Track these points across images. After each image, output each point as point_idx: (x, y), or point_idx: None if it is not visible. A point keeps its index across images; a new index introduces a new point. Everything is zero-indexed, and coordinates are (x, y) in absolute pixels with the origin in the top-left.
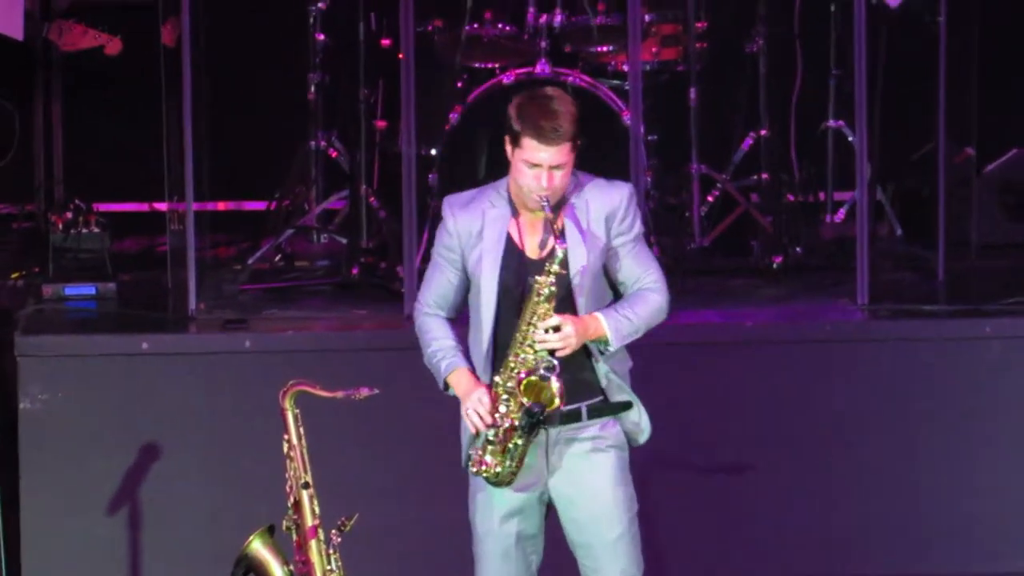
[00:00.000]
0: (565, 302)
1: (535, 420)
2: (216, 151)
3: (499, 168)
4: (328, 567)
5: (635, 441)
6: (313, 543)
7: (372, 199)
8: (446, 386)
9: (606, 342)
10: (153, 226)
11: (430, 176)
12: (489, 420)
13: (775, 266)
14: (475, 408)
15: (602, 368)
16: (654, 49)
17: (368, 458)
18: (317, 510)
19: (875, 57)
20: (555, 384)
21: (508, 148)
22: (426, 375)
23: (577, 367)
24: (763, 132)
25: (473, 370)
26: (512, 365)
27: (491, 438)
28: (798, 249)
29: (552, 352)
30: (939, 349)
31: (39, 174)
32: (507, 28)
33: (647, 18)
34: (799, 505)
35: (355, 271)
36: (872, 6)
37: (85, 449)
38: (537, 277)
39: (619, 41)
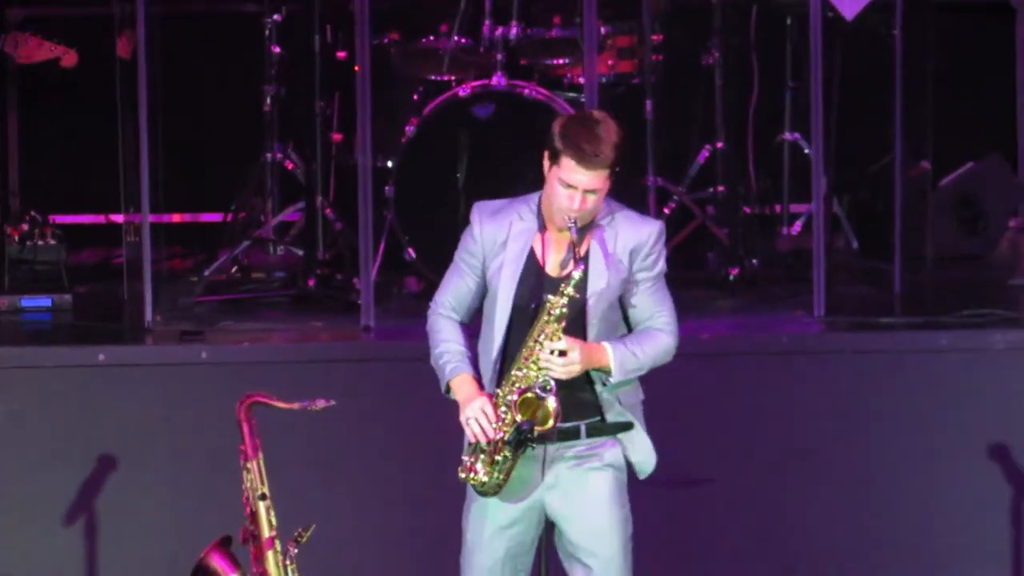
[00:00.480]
0: (576, 324)
1: (523, 438)
2: (172, 163)
3: (456, 179)
4: None
5: (638, 473)
6: (270, 554)
7: (328, 211)
8: (447, 389)
9: (609, 372)
10: (109, 238)
11: (386, 188)
12: (491, 433)
13: (731, 278)
14: (476, 417)
15: (605, 393)
16: (610, 62)
17: (325, 469)
18: (274, 521)
19: (831, 70)
20: (551, 403)
21: (546, 164)
22: (384, 387)
23: (579, 386)
24: (719, 144)
25: (478, 378)
26: (513, 379)
27: (483, 447)
28: (754, 261)
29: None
30: (895, 361)
31: None
32: (463, 41)
33: (603, 30)
34: (756, 517)
35: (311, 283)
36: (828, 19)
37: (41, 460)
38: (550, 296)
39: (575, 54)
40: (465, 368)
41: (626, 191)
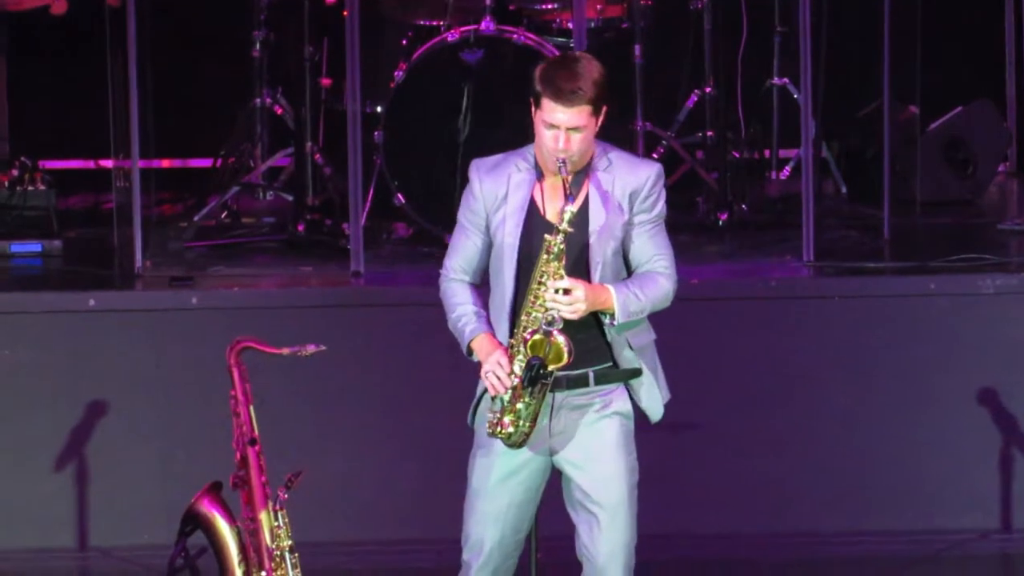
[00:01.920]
0: (580, 268)
1: (535, 375)
2: (161, 109)
3: (445, 125)
4: (275, 523)
5: (649, 418)
6: (260, 499)
7: (317, 156)
8: (469, 351)
9: (612, 315)
10: (99, 183)
11: (375, 133)
12: (507, 383)
13: (721, 223)
14: (493, 371)
15: (613, 336)
16: (599, 6)
17: (315, 415)
18: (264, 466)
19: (819, 15)
20: (560, 340)
21: (533, 110)
22: (373, 331)
23: (587, 333)
24: (708, 89)
25: (493, 328)
26: (523, 325)
27: (505, 399)
28: (744, 206)
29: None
30: (884, 306)
31: None
32: None
33: None
34: (745, 461)
35: (301, 228)
36: None
37: (31, 406)
38: (547, 235)
39: None
40: (483, 328)
41: (615, 136)
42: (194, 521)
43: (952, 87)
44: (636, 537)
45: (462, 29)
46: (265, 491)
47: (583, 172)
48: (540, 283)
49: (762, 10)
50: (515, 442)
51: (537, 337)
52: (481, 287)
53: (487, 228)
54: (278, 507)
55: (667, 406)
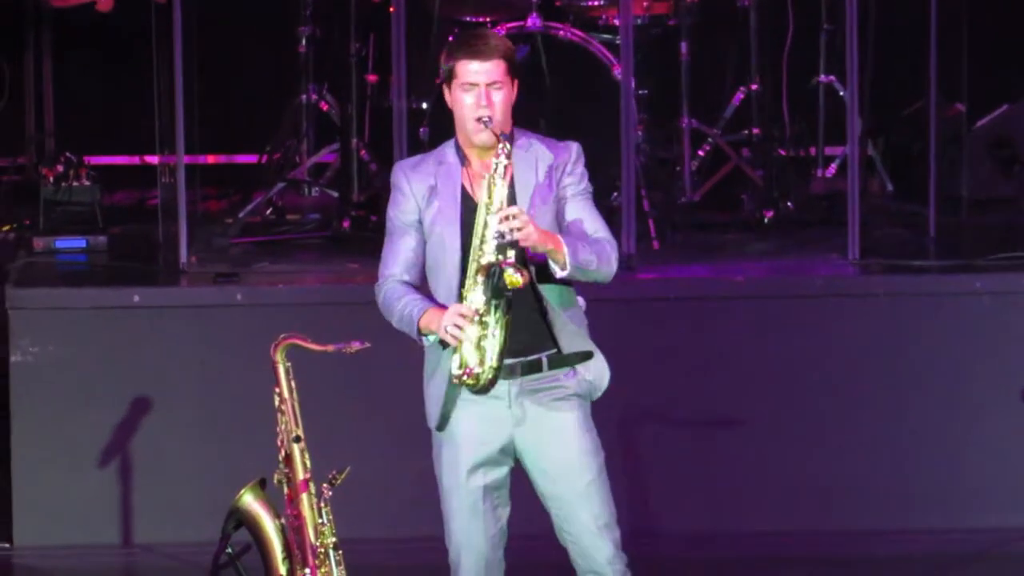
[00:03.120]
0: (518, 249)
1: (497, 283)
2: (207, 104)
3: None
4: (319, 520)
5: (597, 388)
6: (304, 496)
7: (363, 152)
8: (420, 334)
9: (562, 264)
10: (144, 179)
11: (421, 130)
12: (470, 314)
13: (766, 221)
14: (450, 319)
15: (555, 314)
16: (645, 3)
17: (359, 412)
18: (308, 464)
19: (866, 12)
20: (512, 255)
21: (447, 95)
22: None
23: (534, 320)
24: (754, 86)
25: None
26: (474, 263)
27: (469, 342)
28: (789, 204)
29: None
30: (929, 304)
31: (30, 127)
32: None
33: None
34: (789, 460)
35: (346, 224)
36: None
37: (76, 402)
38: (485, 174)
39: None
40: (429, 304)
41: (662, 133)
42: (238, 517)
43: (999, 84)
44: (615, 512)
45: (508, 25)
46: (309, 488)
47: (508, 153)
48: (485, 224)
49: (808, 7)
50: (484, 384)
51: (492, 259)
52: (420, 288)
53: (420, 225)
54: (322, 504)
55: (710, 402)
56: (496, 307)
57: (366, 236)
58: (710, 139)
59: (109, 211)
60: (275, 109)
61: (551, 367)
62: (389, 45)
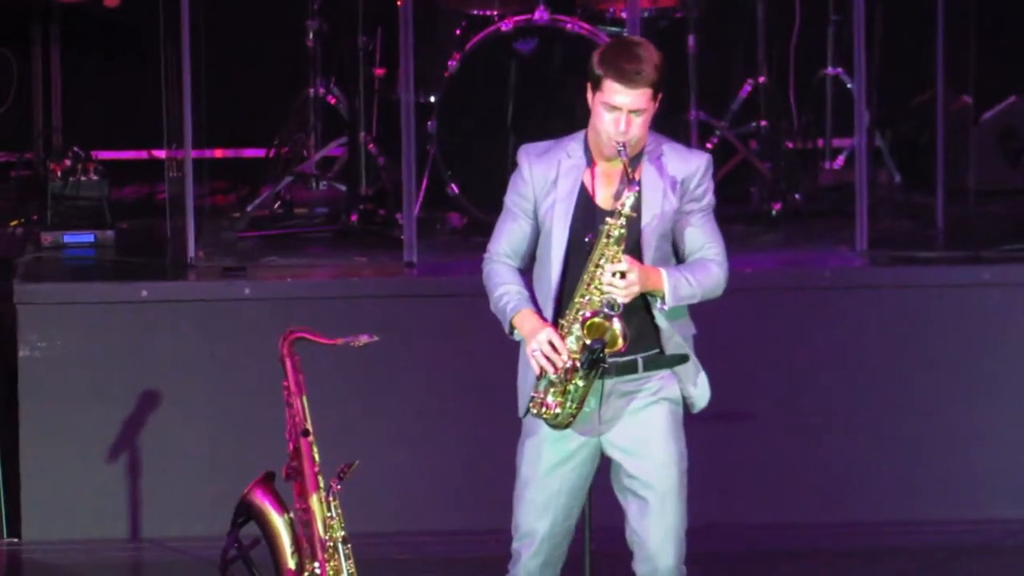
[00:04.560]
0: (632, 254)
1: (596, 357)
2: (215, 98)
3: (499, 114)
4: (328, 514)
5: (692, 407)
6: (313, 490)
7: (371, 146)
8: (511, 329)
9: (662, 299)
10: (152, 174)
11: (429, 123)
12: (560, 362)
13: (774, 213)
14: (542, 349)
15: (663, 321)
16: None
17: (368, 405)
18: (317, 457)
19: (873, 3)
20: (617, 325)
21: (589, 95)
22: (426, 322)
23: (636, 318)
24: (761, 79)
25: (539, 312)
26: (577, 306)
27: (553, 379)
28: (797, 196)
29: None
30: (938, 296)
31: (38, 122)
32: None
33: None
34: (795, 451)
35: (354, 218)
36: None
37: (84, 397)
38: (608, 219)
39: None
40: (526, 304)
41: (669, 126)
42: (247, 512)
43: (1006, 76)
44: (687, 523)
45: (516, 19)
46: (318, 482)
47: (637, 158)
48: (598, 265)
49: None
50: (560, 423)
51: (597, 320)
52: (525, 272)
53: (535, 213)
54: (331, 497)
55: (719, 395)
56: (588, 371)
57: (374, 230)
58: (718, 131)
59: (117, 206)
60: (283, 103)
61: (646, 369)
62: (396, 39)
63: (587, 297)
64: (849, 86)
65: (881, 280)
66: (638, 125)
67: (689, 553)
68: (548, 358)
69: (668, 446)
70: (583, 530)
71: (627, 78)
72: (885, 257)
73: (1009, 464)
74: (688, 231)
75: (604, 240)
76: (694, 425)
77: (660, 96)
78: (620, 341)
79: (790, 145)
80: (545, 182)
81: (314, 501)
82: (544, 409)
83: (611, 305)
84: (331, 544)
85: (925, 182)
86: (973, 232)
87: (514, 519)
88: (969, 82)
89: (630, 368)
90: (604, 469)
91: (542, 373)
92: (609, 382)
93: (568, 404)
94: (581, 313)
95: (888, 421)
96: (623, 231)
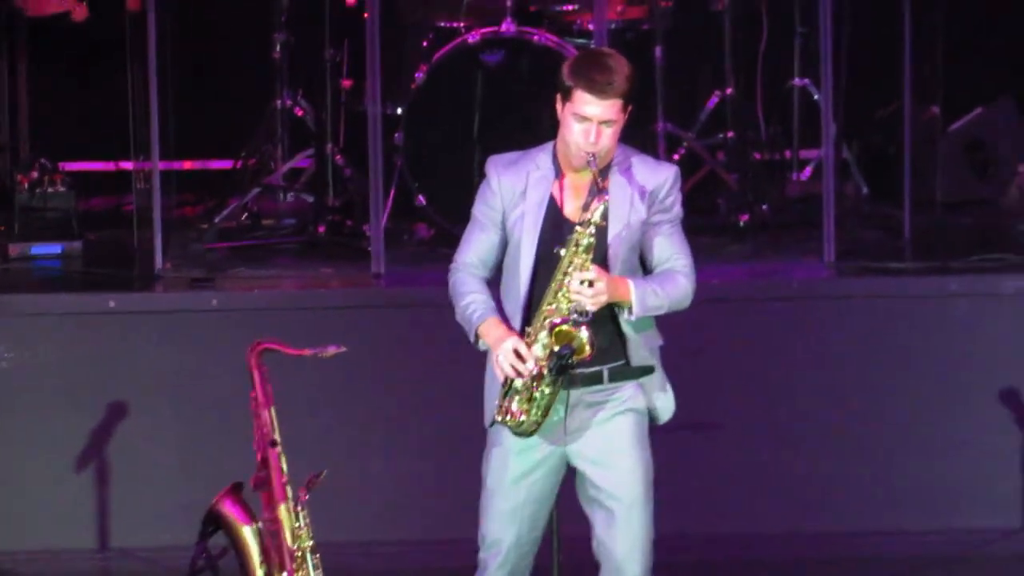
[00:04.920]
0: (599, 264)
1: (564, 363)
2: (182, 110)
3: (466, 126)
4: (296, 523)
5: (656, 419)
6: (281, 500)
7: (338, 158)
8: (476, 339)
9: (629, 309)
10: (119, 185)
11: (396, 135)
12: (526, 370)
13: (742, 224)
14: (508, 357)
15: (629, 332)
16: (620, 8)
17: (336, 416)
18: (285, 467)
19: (840, 14)
20: (585, 332)
21: (559, 106)
22: (393, 332)
23: (603, 329)
24: (729, 91)
25: (506, 321)
26: (545, 314)
27: (519, 386)
28: (764, 207)
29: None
30: (905, 306)
31: (4, 134)
32: None
33: None
34: (765, 462)
35: (321, 229)
36: None
37: (52, 407)
38: (578, 227)
39: (585, 0)
40: (492, 314)
41: (635, 137)
42: (215, 522)
43: (973, 87)
44: (653, 533)
45: (483, 31)
46: (286, 491)
47: (605, 169)
48: (566, 273)
49: (782, 11)
50: (525, 431)
51: (564, 327)
52: (490, 282)
53: (503, 224)
54: (299, 507)
55: (688, 406)
56: (556, 377)
57: (341, 241)
58: (685, 143)
59: (84, 217)
60: (250, 115)
61: (611, 380)
62: (363, 51)
63: (554, 305)
64: (816, 97)
65: (849, 291)
66: (608, 136)
67: (657, 563)
68: (514, 366)
69: (634, 457)
70: (551, 540)
71: (598, 89)
72: (853, 268)
73: (981, 473)
74: (656, 242)
75: (573, 249)
76: (662, 435)
77: (630, 108)
78: (588, 348)
79: (757, 156)
80: (513, 193)
81: (282, 511)
82: (509, 417)
83: (581, 312)
84: (299, 554)
85: (892, 193)
86: (940, 243)
87: (480, 529)
88: (936, 93)
89: (596, 379)
90: (569, 479)
91: (507, 381)
92: (575, 393)
93: (534, 412)
94: (549, 320)
95: (857, 431)
96: (592, 240)
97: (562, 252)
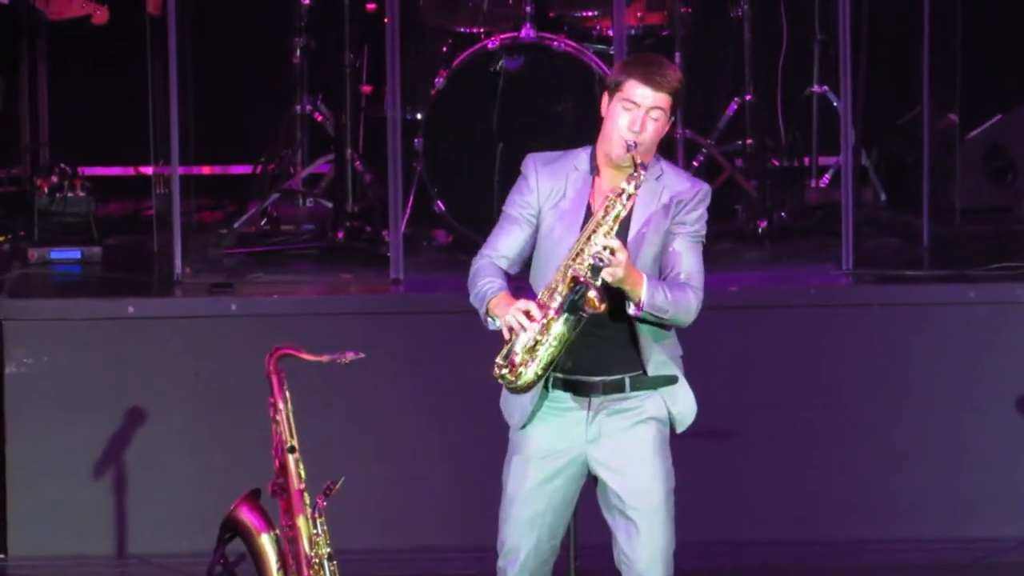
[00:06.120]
0: None
1: (576, 299)
2: (202, 115)
3: (485, 132)
4: (314, 531)
5: (676, 426)
6: (299, 507)
7: (358, 163)
8: (487, 314)
9: (636, 303)
10: (139, 190)
11: (416, 140)
12: (538, 315)
13: (760, 231)
14: (516, 312)
15: (645, 340)
16: (639, 13)
17: (354, 422)
18: (303, 474)
19: (859, 22)
20: (593, 293)
21: (604, 102)
22: (412, 338)
23: (623, 338)
24: (748, 97)
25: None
26: (566, 266)
27: (524, 340)
28: (783, 214)
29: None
30: (923, 314)
31: (25, 138)
32: None
33: None
34: (781, 469)
35: (341, 235)
36: None
37: (71, 413)
38: (609, 194)
39: (604, 5)
40: (505, 291)
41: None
42: (233, 528)
43: (992, 95)
44: (675, 543)
45: (502, 36)
46: (304, 498)
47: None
48: (590, 237)
49: (802, 18)
50: (520, 386)
51: (581, 275)
52: (512, 277)
53: (537, 222)
54: (317, 514)
55: (705, 413)
56: (566, 321)
57: (360, 246)
58: (704, 149)
59: (104, 222)
60: (270, 120)
61: (633, 388)
62: (383, 56)
63: (572, 265)
64: (835, 104)
65: (867, 298)
66: (651, 129)
67: (678, 571)
68: (520, 322)
69: (655, 465)
70: (568, 548)
71: (651, 79)
72: (871, 275)
73: (994, 482)
74: (671, 251)
75: (602, 214)
76: (681, 443)
77: (676, 113)
78: (598, 303)
79: (776, 163)
80: (551, 192)
81: (300, 518)
82: (508, 370)
83: (595, 269)
84: (317, 561)
85: (911, 200)
86: (959, 251)
87: (500, 536)
88: (955, 100)
89: (618, 387)
90: (589, 487)
91: (512, 336)
92: (596, 400)
93: (534, 365)
94: (570, 270)
95: (873, 439)
96: (622, 210)
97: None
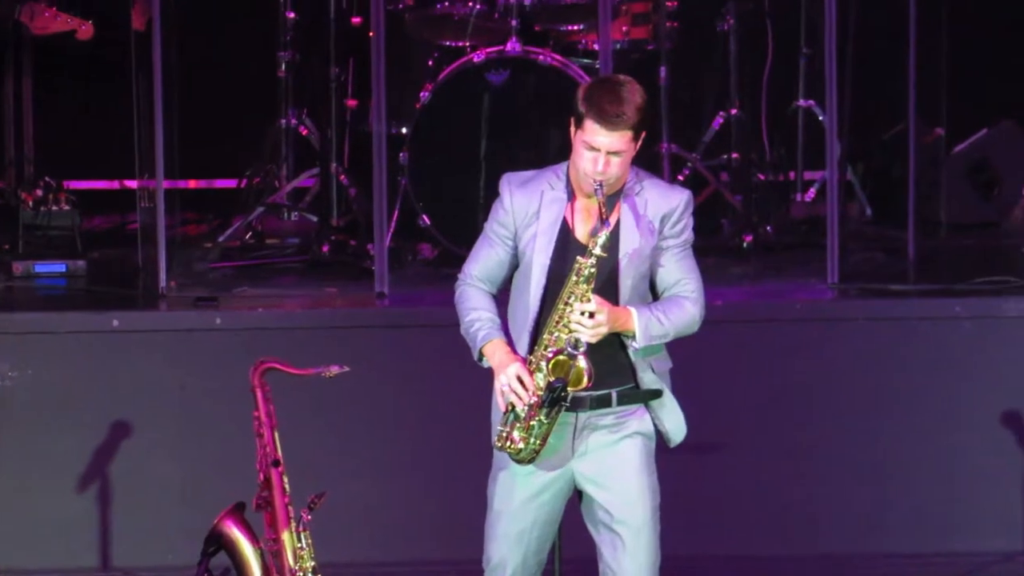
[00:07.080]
0: (608, 292)
1: (556, 396)
2: (186, 129)
3: (471, 146)
4: (298, 544)
5: (668, 441)
6: (283, 521)
7: (343, 177)
8: (480, 356)
9: (633, 337)
10: (123, 204)
11: (400, 154)
12: (527, 398)
13: (745, 245)
14: (511, 383)
15: (636, 358)
16: (624, 28)
17: (339, 436)
18: (287, 488)
19: (845, 36)
20: (582, 363)
21: (572, 130)
22: (397, 353)
23: (611, 353)
24: (733, 111)
25: (510, 343)
26: (545, 343)
27: (520, 414)
28: (768, 228)
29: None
30: (909, 329)
31: (9, 151)
32: (478, 6)
33: None
34: (767, 484)
35: (325, 249)
36: None
37: (55, 426)
38: (579, 257)
39: (590, 20)
40: (497, 334)
41: (640, 158)
42: (217, 542)
43: (978, 109)
44: (660, 557)
45: (488, 50)
46: (288, 512)
47: (616, 195)
48: (567, 304)
49: (787, 32)
50: (524, 458)
51: (561, 358)
52: (497, 297)
53: (514, 243)
54: (301, 528)
55: (691, 427)
56: (550, 409)
57: (345, 260)
58: (689, 164)
59: (88, 236)
60: (255, 134)
61: (620, 403)
62: (368, 70)
63: (555, 334)
64: (821, 118)
65: (852, 313)
66: (616, 165)
67: None
68: (516, 393)
69: (641, 480)
70: (553, 562)
71: (608, 121)
72: (856, 290)
73: (984, 496)
74: (664, 266)
75: (574, 278)
76: (666, 457)
77: (643, 136)
78: (584, 380)
79: (762, 177)
80: (526, 213)
81: (284, 532)
82: (510, 443)
83: (575, 344)
84: (301, 574)
85: (896, 215)
86: (944, 265)
87: (485, 551)
88: (941, 115)
89: (605, 402)
90: (572, 502)
91: (509, 407)
92: (582, 415)
93: (532, 440)
94: (548, 350)
95: (860, 453)
96: (593, 270)
97: (570, 270)
